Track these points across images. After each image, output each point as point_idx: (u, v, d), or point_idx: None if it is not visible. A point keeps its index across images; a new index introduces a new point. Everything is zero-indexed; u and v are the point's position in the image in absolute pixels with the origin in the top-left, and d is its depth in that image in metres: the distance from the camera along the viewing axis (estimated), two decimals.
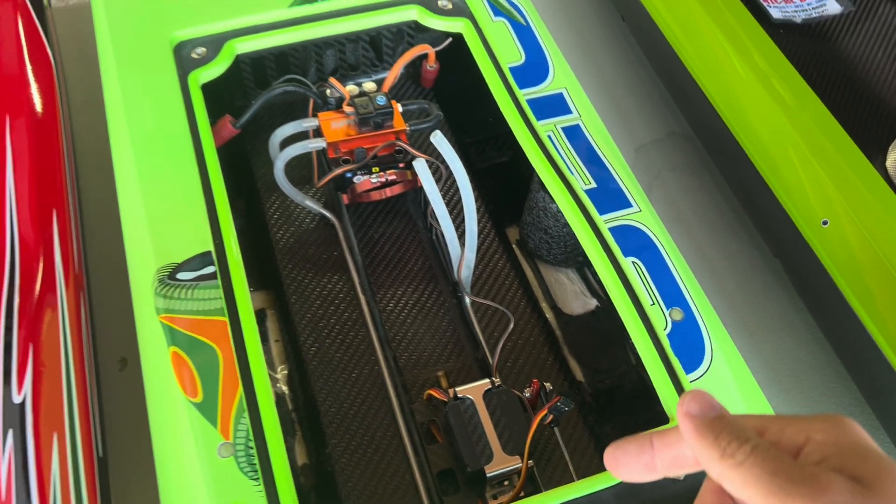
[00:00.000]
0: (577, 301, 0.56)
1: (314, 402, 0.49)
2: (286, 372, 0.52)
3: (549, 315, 0.55)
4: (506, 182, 0.63)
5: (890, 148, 0.60)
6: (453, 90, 0.64)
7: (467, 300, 0.52)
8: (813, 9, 0.73)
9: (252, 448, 0.39)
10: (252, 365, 0.41)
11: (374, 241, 0.57)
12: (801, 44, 0.70)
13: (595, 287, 0.55)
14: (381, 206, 0.58)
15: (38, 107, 0.54)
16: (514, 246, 0.59)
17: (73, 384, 0.44)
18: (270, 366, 0.52)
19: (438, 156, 0.47)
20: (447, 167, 0.48)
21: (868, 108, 0.63)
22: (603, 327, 0.52)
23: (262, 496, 0.37)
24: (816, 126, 0.57)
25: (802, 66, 0.67)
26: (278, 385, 0.51)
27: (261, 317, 0.55)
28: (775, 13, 0.72)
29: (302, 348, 0.51)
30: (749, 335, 0.62)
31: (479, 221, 0.53)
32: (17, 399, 0.40)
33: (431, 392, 0.46)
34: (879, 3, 0.73)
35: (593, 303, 0.55)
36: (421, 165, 0.47)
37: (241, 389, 0.40)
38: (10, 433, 0.39)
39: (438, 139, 0.46)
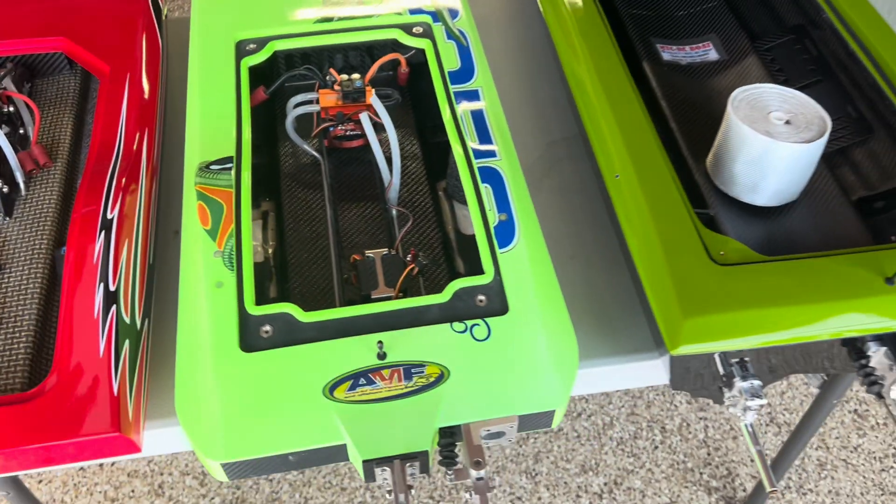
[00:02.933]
0: (470, 227, 0.82)
1: (287, 260, 0.77)
2: (274, 244, 0.81)
3: (450, 231, 0.82)
4: (444, 151, 0.91)
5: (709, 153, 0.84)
6: (419, 87, 0.93)
7: (393, 211, 0.80)
8: (698, 56, 0.99)
9: (233, 253, 0.67)
10: (243, 213, 0.70)
11: (345, 174, 0.86)
12: (679, 80, 0.95)
13: None
14: (353, 153, 0.87)
15: (146, 72, 0.86)
16: (440, 193, 0.87)
17: (142, 222, 0.74)
18: (265, 241, 0.81)
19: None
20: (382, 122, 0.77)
21: (711, 126, 0.88)
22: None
23: (233, 277, 0.66)
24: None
25: (674, 95, 0.92)
26: (269, 252, 0.80)
27: (265, 215, 0.84)
28: (665, 56, 0.98)
29: (285, 231, 0.80)
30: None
31: (417, 176, 0.82)
32: (109, 216, 0.70)
33: (355, 256, 0.74)
34: (745, 56, 0.98)
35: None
36: (364, 118, 0.76)
37: (233, 225, 0.69)
38: (103, 234, 0.69)
39: (374, 99, 0.75)
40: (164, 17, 1.02)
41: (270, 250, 0.81)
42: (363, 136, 0.84)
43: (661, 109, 0.91)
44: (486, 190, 0.73)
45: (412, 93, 0.95)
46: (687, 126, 0.90)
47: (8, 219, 0.78)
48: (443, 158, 0.88)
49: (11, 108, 0.83)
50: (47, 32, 0.88)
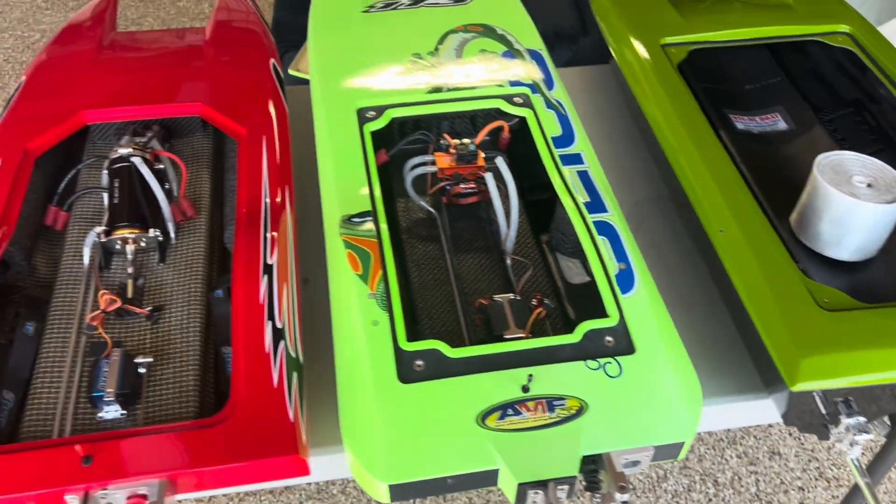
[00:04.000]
0: (577, 277, 0.90)
1: (414, 305, 0.85)
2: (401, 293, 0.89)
3: (557, 280, 0.89)
4: (547, 208, 0.99)
5: (793, 210, 0.93)
6: (519, 151, 1.02)
7: (508, 259, 0.88)
8: (768, 125, 1.09)
9: (384, 296, 0.75)
10: (386, 259, 0.78)
11: (459, 227, 0.94)
12: (755, 147, 1.05)
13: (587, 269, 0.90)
14: (466, 209, 0.95)
15: (278, 134, 0.95)
16: (544, 245, 0.95)
17: (292, 269, 0.82)
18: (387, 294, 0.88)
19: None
20: (504, 181, 0.85)
21: (791, 191, 0.96)
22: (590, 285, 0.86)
23: (387, 317, 0.73)
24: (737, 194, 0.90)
25: (752, 160, 1.02)
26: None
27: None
28: (739, 125, 1.08)
29: (410, 279, 0.88)
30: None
31: (522, 229, 0.91)
32: (269, 261, 0.78)
33: (480, 300, 0.81)
34: (812, 126, 1.08)
35: (586, 278, 0.89)
36: (489, 177, 0.85)
37: (381, 271, 0.77)
38: (266, 277, 0.77)
39: (499, 161, 0.84)
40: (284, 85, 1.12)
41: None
42: (478, 193, 0.92)
43: (742, 173, 1.00)
44: (604, 242, 0.81)
45: (511, 156, 1.04)
46: (766, 188, 0.98)
47: (162, 264, 0.86)
48: (544, 214, 0.97)
49: (160, 166, 0.92)
50: (186, 99, 0.98)
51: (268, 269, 0.77)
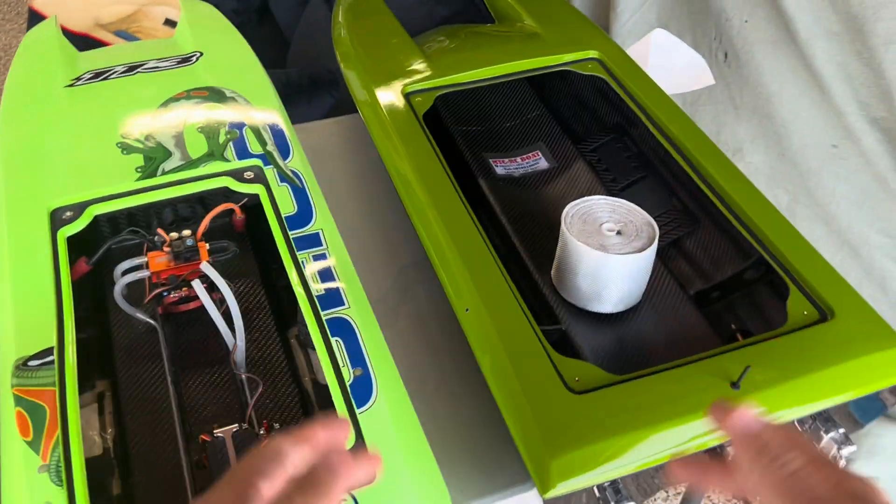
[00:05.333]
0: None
1: (128, 450, 0.70)
2: (112, 431, 0.74)
3: (307, 384, 0.78)
4: (293, 295, 0.88)
5: (553, 267, 0.86)
6: (258, 230, 0.90)
7: (242, 376, 0.75)
8: (529, 166, 1.03)
9: (61, 465, 0.60)
10: (69, 411, 0.63)
11: (186, 339, 0.80)
12: (516, 192, 0.98)
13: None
14: (193, 315, 0.82)
15: None
16: (293, 340, 0.83)
17: None
18: (102, 428, 0.74)
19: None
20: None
21: (552, 236, 0.90)
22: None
23: (64, 495, 0.59)
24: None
25: (514, 207, 0.95)
26: (107, 441, 0.73)
27: (100, 397, 0.77)
28: (499, 170, 1.01)
29: (124, 414, 0.73)
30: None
31: (264, 326, 0.79)
32: None
33: (202, 436, 0.68)
34: (573, 161, 1.03)
35: None
36: (197, 285, 0.72)
37: (58, 431, 0.62)
38: None
39: (205, 266, 0.72)
40: None
41: (110, 438, 0.74)
42: (195, 297, 0.79)
43: (502, 225, 0.93)
44: (338, 344, 0.71)
45: (251, 237, 0.92)
46: (529, 239, 0.92)
47: None
48: (292, 303, 0.85)
49: None
50: None
51: None
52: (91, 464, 0.62)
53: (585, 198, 0.83)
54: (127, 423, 0.74)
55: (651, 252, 0.78)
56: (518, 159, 1.03)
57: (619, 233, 0.80)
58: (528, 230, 0.93)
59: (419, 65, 1.02)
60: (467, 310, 0.74)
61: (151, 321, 0.80)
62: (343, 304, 0.74)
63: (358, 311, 0.74)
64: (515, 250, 0.89)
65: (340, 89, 1.28)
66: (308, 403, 0.76)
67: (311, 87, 1.26)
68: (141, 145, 0.90)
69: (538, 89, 1.14)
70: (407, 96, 0.98)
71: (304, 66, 1.29)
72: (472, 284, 0.75)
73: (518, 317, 0.72)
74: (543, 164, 1.03)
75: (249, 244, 0.92)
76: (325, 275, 0.78)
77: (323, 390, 0.77)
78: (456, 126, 1.04)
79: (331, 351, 0.70)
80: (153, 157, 0.89)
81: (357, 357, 0.70)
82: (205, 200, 0.89)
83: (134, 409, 0.75)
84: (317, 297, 0.75)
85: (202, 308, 0.81)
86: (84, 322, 0.74)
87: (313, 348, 0.81)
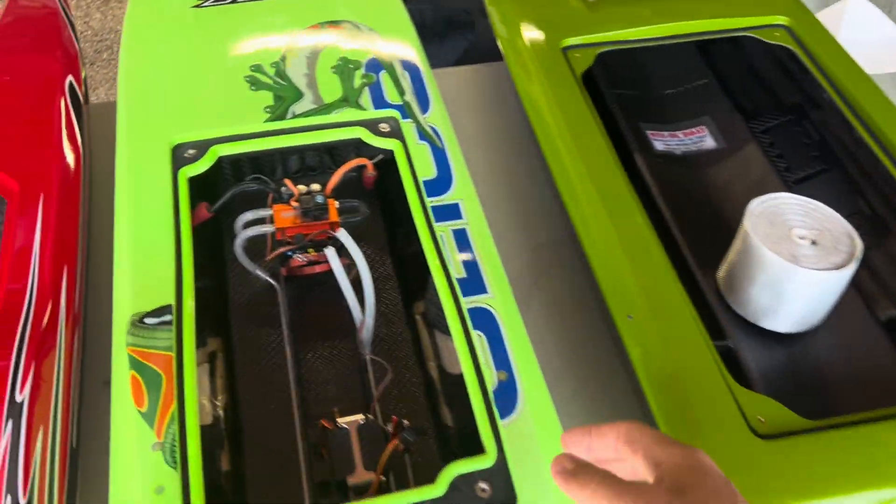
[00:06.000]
0: (458, 363, 0.71)
1: (240, 423, 0.65)
2: (224, 399, 0.68)
3: (433, 371, 0.70)
4: (422, 264, 0.79)
5: (721, 266, 0.75)
6: (389, 187, 0.81)
7: (366, 356, 0.68)
8: (693, 143, 0.90)
9: (176, 445, 0.54)
10: (186, 388, 0.57)
11: (305, 303, 0.73)
12: (677, 173, 0.86)
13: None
14: (317, 279, 0.75)
15: (64, 190, 0.72)
16: (417, 316, 0.75)
17: (60, 395, 0.60)
18: (213, 393, 0.68)
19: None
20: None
21: (720, 233, 0.78)
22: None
23: (177, 479, 0.53)
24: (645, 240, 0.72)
25: (674, 192, 0.83)
26: (217, 409, 0.67)
27: (213, 357, 0.71)
28: (658, 145, 0.89)
29: (238, 380, 0.67)
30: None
31: (390, 298, 0.71)
32: (18, 398, 0.56)
33: (322, 422, 0.62)
34: (745, 142, 0.90)
35: None
36: (331, 254, 0.64)
37: (174, 405, 0.56)
38: (10, 424, 0.55)
39: (342, 234, 0.64)
40: (86, 108, 0.88)
41: (221, 406, 0.68)
42: (324, 262, 0.71)
43: (659, 210, 0.82)
44: (480, 340, 0.62)
45: (381, 195, 0.84)
46: (691, 229, 0.80)
47: None
48: (419, 274, 0.77)
49: None
50: None
51: (15, 412, 0.56)
52: (201, 434, 0.56)
53: (773, 194, 0.71)
54: (240, 390, 0.68)
55: (850, 271, 0.66)
56: (680, 134, 0.91)
57: (813, 242, 0.68)
58: (691, 220, 0.81)
59: (580, 14, 0.89)
60: (630, 317, 0.64)
61: (272, 281, 0.73)
62: (486, 293, 0.66)
63: (502, 302, 0.65)
64: (675, 243, 0.78)
65: (476, 32, 1.16)
66: (433, 394, 0.69)
67: (444, 28, 1.15)
68: (270, 81, 0.82)
69: (704, 53, 1.00)
70: (564, 50, 0.86)
71: (439, 3, 1.18)
72: (639, 286, 0.65)
73: (691, 331, 0.62)
74: (709, 142, 0.90)
75: (378, 203, 0.84)
76: (465, 254, 0.69)
77: (450, 381, 0.70)
78: (610, 89, 0.92)
79: (472, 347, 0.61)
80: (283, 97, 0.81)
81: (501, 358, 0.61)
82: (334, 151, 0.81)
83: (248, 377, 0.69)
84: (458, 283, 0.66)
85: (328, 272, 0.74)
86: (200, 271, 0.68)
87: (441, 330, 0.73)
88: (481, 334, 0.62)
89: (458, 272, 0.67)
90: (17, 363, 0.58)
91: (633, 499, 0.36)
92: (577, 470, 0.40)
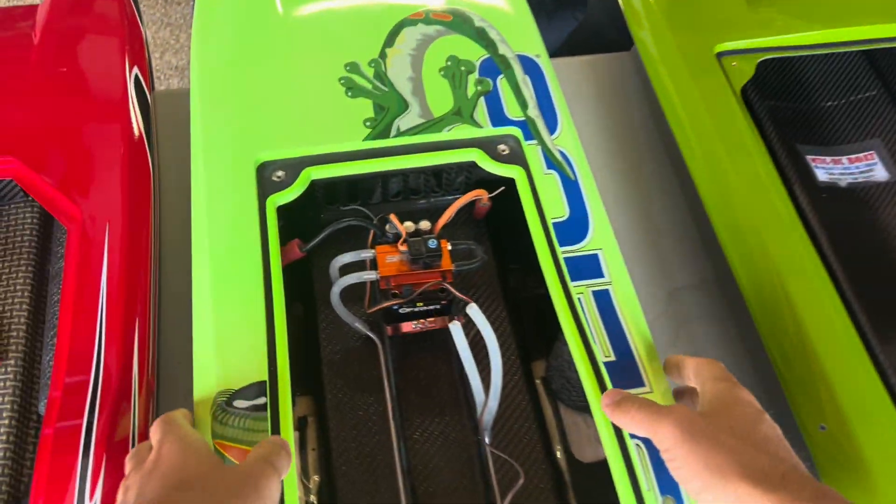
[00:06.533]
0: (590, 447, 0.60)
1: None
2: (317, 480, 0.58)
3: (560, 459, 0.59)
4: (541, 314, 0.68)
5: None
6: (504, 219, 0.69)
7: (486, 445, 0.57)
8: (860, 173, 0.76)
9: None
10: (287, 492, 0.47)
11: (411, 366, 0.63)
12: (844, 212, 0.72)
13: None
14: (426, 335, 0.64)
15: (133, 219, 0.61)
16: (538, 381, 0.64)
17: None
18: (305, 474, 0.58)
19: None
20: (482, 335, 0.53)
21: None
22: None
23: None
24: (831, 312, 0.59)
25: (843, 238, 0.69)
26: (311, 496, 0.58)
27: (302, 423, 0.61)
28: (821, 175, 0.75)
29: (334, 464, 0.57)
30: None
31: (506, 360, 0.60)
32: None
33: None
34: None
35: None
36: (456, 330, 0.53)
37: None
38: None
39: (473, 311, 0.52)
40: (151, 96, 0.76)
41: (313, 490, 0.58)
42: (437, 311, 0.60)
43: (827, 258, 0.68)
44: (640, 453, 0.51)
45: (491, 229, 0.71)
46: (865, 287, 0.67)
47: None
48: (540, 323, 0.66)
49: None
50: None
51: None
52: None
53: None
54: (335, 467, 0.58)
55: None
56: (845, 160, 0.76)
57: None
58: (864, 272, 0.67)
59: (738, 12, 0.74)
60: (823, 427, 0.52)
61: (374, 336, 0.63)
62: (642, 385, 0.54)
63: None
64: (846, 299, 0.65)
65: (588, 9, 1.01)
66: (563, 492, 0.58)
67: (553, 4, 0.99)
68: (370, 86, 0.69)
69: (873, 61, 0.84)
70: (719, 56, 0.72)
71: None
72: (833, 388, 0.52)
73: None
74: (881, 172, 0.76)
75: (487, 233, 0.72)
76: (613, 328, 0.57)
77: (582, 471, 0.59)
78: (762, 101, 0.77)
79: (630, 465, 0.50)
80: (385, 108, 0.68)
81: (666, 479, 0.50)
82: (441, 173, 0.68)
83: (346, 454, 0.59)
84: (604, 363, 0.54)
85: (440, 330, 0.63)
86: (291, 321, 0.57)
87: (569, 406, 0.62)
88: (640, 445, 0.51)
89: (605, 353, 0.55)
90: (84, 462, 0.48)
91: (665, 416, 0.45)
92: (622, 400, 0.48)
